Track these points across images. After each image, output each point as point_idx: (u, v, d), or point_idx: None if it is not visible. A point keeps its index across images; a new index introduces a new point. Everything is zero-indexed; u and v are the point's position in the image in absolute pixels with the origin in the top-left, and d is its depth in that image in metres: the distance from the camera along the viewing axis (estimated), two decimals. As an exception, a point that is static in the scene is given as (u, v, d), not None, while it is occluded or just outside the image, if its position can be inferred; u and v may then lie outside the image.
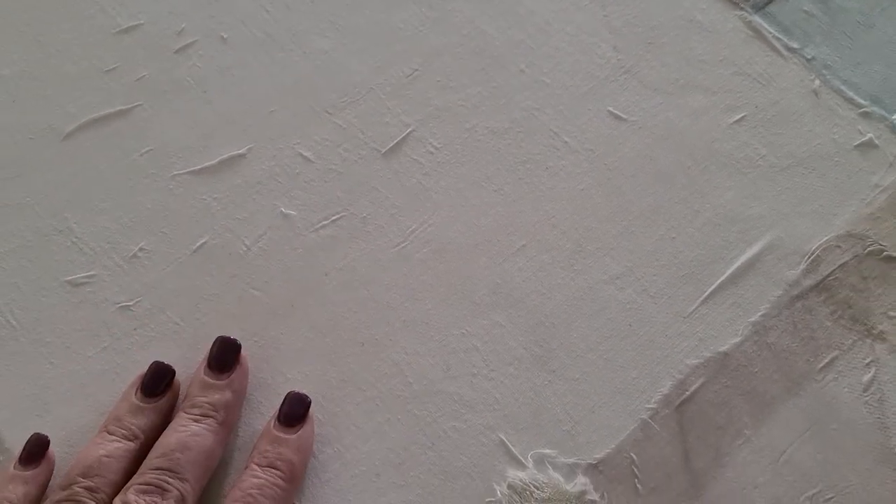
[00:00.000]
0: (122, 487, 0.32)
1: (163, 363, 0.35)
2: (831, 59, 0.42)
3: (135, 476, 0.32)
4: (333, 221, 0.39)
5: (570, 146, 0.40)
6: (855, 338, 0.37)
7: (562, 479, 0.35)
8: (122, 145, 0.41)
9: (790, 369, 0.37)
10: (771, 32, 0.42)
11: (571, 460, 0.35)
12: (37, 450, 0.34)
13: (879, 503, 0.35)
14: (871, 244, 0.39)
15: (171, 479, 0.32)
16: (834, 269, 0.38)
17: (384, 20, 0.43)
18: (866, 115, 0.41)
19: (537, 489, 0.35)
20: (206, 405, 0.34)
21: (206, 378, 0.35)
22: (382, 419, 0.36)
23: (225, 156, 0.40)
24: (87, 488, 0.32)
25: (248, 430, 0.36)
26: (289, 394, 0.35)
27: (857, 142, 0.40)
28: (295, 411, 0.35)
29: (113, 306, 0.38)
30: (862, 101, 0.41)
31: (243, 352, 0.36)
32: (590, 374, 0.37)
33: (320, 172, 0.40)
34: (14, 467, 0.34)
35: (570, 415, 0.36)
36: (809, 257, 0.38)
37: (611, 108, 0.41)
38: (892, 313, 0.37)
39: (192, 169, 0.40)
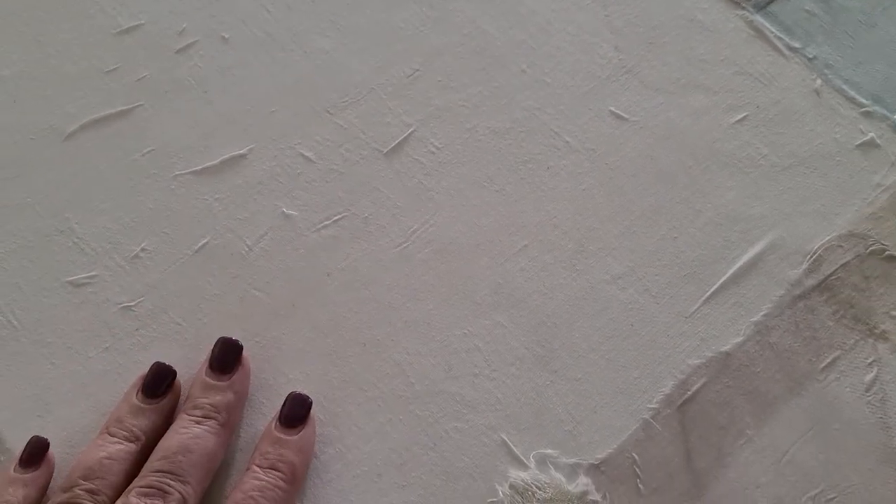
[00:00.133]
0: (124, 490, 0.32)
1: (164, 364, 0.35)
2: (833, 58, 0.42)
3: (136, 479, 0.32)
4: (335, 222, 0.39)
5: (572, 146, 0.40)
6: (857, 337, 0.37)
7: (564, 479, 0.35)
8: (123, 145, 0.41)
9: (792, 369, 0.37)
10: (772, 32, 0.42)
11: (573, 460, 0.35)
12: (37, 452, 0.34)
13: (882, 503, 0.35)
14: (873, 244, 0.38)
15: (172, 482, 0.32)
16: (836, 269, 0.38)
17: (385, 20, 0.43)
18: (868, 115, 0.41)
19: (539, 489, 0.35)
20: (208, 406, 0.34)
21: (208, 379, 0.35)
22: (384, 419, 0.36)
23: (226, 156, 0.40)
24: (89, 490, 0.32)
25: (250, 430, 0.36)
26: (290, 395, 0.35)
27: (859, 141, 0.40)
28: (296, 412, 0.35)
29: (114, 307, 0.38)
30: (864, 101, 0.41)
31: (245, 353, 0.36)
32: (591, 374, 0.37)
33: (322, 172, 0.40)
34: (14, 470, 0.34)
35: (571, 415, 0.36)
36: (811, 257, 0.38)
37: (612, 108, 0.41)
38: (894, 313, 0.37)
39: (194, 169, 0.40)
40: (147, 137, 0.41)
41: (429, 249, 0.39)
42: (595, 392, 0.36)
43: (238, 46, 0.42)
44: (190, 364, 0.37)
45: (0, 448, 0.35)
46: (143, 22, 0.43)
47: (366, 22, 0.43)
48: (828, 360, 0.37)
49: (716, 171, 0.40)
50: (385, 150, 0.40)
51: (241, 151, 0.40)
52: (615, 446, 0.36)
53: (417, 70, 0.42)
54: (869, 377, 0.36)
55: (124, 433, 0.34)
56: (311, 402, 0.35)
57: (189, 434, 0.33)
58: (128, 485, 0.32)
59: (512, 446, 0.36)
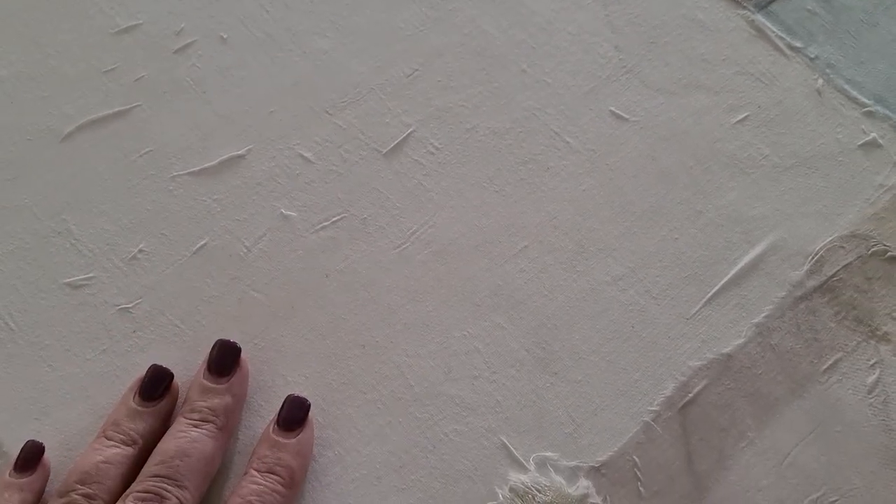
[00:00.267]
0: (121, 494, 0.32)
1: (161, 367, 0.35)
2: (835, 58, 0.42)
3: (133, 483, 0.32)
4: (334, 223, 0.39)
5: (572, 146, 0.40)
6: (859, 339, 0.37)
7: (564, 482, 0.35)
8: (122, 146, 0.40)
9: (794, 371, 0.36)
10: (774, 31, 0.42)
11: (573, 463, 0.35)
12: (31, 457, 0.34)
13: (884, 506, 0.35)
14: (875, 244, 0.38)
15: (170, 487, 0.31)
16: (838, 270, 0.38)
17: (384, 20, 0.43)
18: (870, 115, 0.40)
19: (539, 492, 0.35)
20: (206, 410, 0.34)
21: (206, 382, 0.35)
22: (383, 422, 0.36)
23: (225, 157, 0.40)
24: (85, 495, 0.32)
25: (249, 433, 0.36)
26: (288, 397, 0.35)
27: (861, 141, 0.40)
28: (294, 415, 0.35)
29: (112, 308, 0.38)
30: (866, 101, 0.41)
31: (243, 355, 0.36)
32: (592, 377, 0.37)
33: (320, 173, 0.40)
34: (9, 475, 0.34)
35: (572, 417, 0.36)
36: (813, 258, 0.38)
37: (613, 108, 0.41)
38: None
39: (192, 170, 0.40)
40: (145, 138, 0.40)
41: (428, 251, 0.39)
42: (595, 394, 0.36)
43: (237, 47, 0.42)
44: (188, 366, 0.36)
45: (-3, 451, 0.35)
46: (141, 22, 0.43)
47: (365, 22, 0.43)
48: (830, 362, 0.37)
49: (717, 171, 0.40)
50: (384, 151, 0.40)
51: (240, 152, 0.40)
52: (616, 449, 0.35)
53: (417, 70, 0.42)
54: (871, 379, 0.36)
55: (121, 437, 0.34)
56: (309, 405, 0.35)
57: (187, 438, 0.33)
58: (125, 489, 0.32)
59: (512, 449, 0.35)
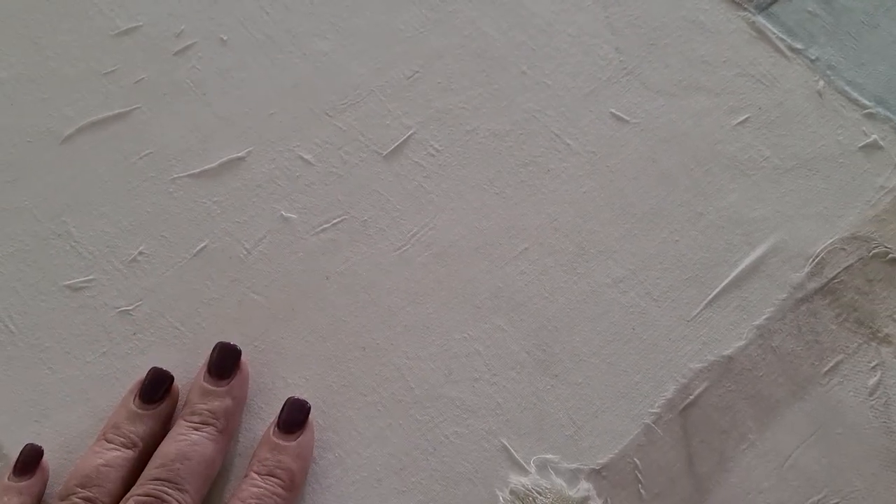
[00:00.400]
0: (121, 497, 0.32)
1: (161, 369, 0.35)
2: (835, 59, 0.42)
3: (134, 487, 0.32)
4: (334, 225, 0.39)
5: (572, 148, 0.40)
6: (860, 341, 0.37)
7: (564, 484, 0.35)
8: (121, 148, 0.40)
9: (795, 373, 0.36)
10: (774, 33, 0.42)
11: (574, 465, 0.35)
12: (30, 460, 0.34)
13: (885, 508, 0.35)
14: (877, 246, 0.38)
15: (170, 491, 0.31)
16: (839, 272, 0.38)
17: (385, 22, 0.43)
18: (871, 116, 0.40)
19: (540, 495, 0.35)
20: (206, 412, 0.34)
21: (206, 384, 0.35)
22: (384, 424, 0.36)
23: (224, 159, 0.40)
24: (86, 499, 0.32)
25: (249, 435, 0.36)
26: (288, 400, 0.35)
27: (862, 143, 0.40)
28: (294, 418, 0.34)
29: (112, 311, 0.38)
30: (867, 102, 0.41)
31: (243, 357, 0.36)
32: (593, 379, 0.37)
33: (320, 175, 0.40)
34: (8, 478, 0.34)
35: (572, 419, 0.36)
36: (814, 260, 0.38)
37: (613, 110, 0.41)
38: (897, 316, 0.37)
39: (192, 172, 0.40)
40: (145, 140, 0.40)
41: (428, 253, 0.39)
42: (596, 396, 0.36)
43: (237, 48, 0.42)
44: (188, 369, 0.36)
45: (-3, 453, 0.35)
46: (141, 24, 0.43)
47: (365, 24, 0.43)
48: (831, 364, 0.37)
49: (718, 173, 0.40)
50: (384, 153, 0.40)
51: (240, 154, 0.40)
52: (616, 451, 0.35)
53: (417, 72, 0.42)
54: (872, 381, 0.36)
55: (121, 439, 0.33)
56: (309, 408, 0.35)
57: (187, 441, 0.33)
58: (125, 492, 0.32)
59: (512, 451, 0.35)
